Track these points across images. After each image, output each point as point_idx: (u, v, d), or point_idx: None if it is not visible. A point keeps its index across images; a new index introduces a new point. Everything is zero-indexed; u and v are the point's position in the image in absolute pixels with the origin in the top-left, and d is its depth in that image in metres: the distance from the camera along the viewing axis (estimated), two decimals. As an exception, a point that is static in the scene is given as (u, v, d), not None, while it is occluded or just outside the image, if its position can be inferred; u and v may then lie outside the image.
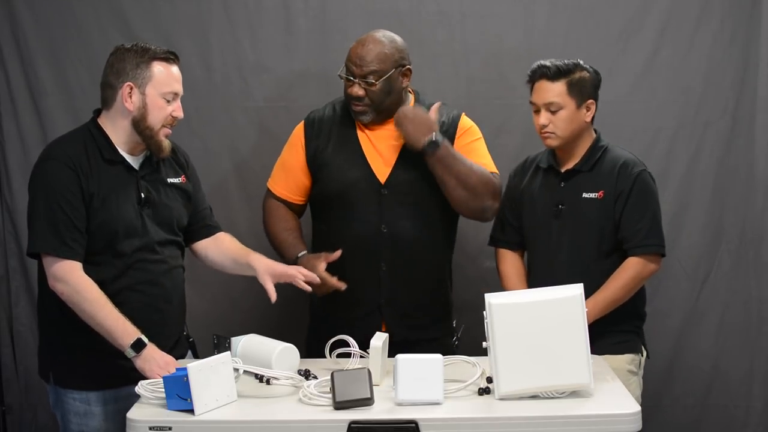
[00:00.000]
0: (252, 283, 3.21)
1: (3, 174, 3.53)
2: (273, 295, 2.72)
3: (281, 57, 3.48)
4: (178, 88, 2.67)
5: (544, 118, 2.81)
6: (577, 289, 2.36)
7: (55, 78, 3.49)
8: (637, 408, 2.25)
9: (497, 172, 3.01)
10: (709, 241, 3.54)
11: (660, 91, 3.49)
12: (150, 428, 2.22)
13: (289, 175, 3.07)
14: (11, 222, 3.55)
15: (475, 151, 3.02)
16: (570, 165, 2.87)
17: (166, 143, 2.67)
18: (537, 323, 2.33)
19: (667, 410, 3.58)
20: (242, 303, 3.45)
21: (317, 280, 2.78)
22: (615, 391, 2.39)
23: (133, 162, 2.68)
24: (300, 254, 3.00)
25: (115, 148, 2.65)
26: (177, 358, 2.68)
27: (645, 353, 2.93)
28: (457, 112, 3.08)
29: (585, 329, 2.34)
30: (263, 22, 3.49)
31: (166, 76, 2.63)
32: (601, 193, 2.81)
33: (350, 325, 2.74)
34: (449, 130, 3.00)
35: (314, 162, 3.04)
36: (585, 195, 2.83)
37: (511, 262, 3.01)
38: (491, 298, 2.37)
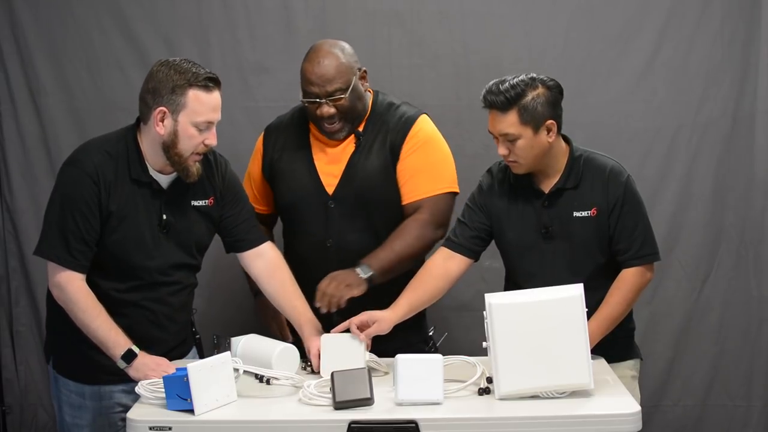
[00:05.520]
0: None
1: (3, 174, 3.53)
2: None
3: (281, 57, 3.48)
4: (214, 116, 2.56)
5: (502, 148, 2.64)
6: (577, 289, 2.36)
7: (55, 78, 3.49)
8: (637, 408, 2.25)
9: (447, 189, 2.90)
10: (709, 241, 3.54)
11: (660, 91, 3.49)
12: (150, 428, 2.22)
13: (253, 185, 3.08)
14: (11, 222, 3.55)
15: (418, 172, 2.89)
16: (551, 184, 2.70)
17: (195, 169, 2.59)
18: (537, 323, 2.33)
19: (667, 410, 3.58)
20: (242, 303, 3.45)
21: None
22: (615, 391, 2.39)
23: (163, 181, 2.62)
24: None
25: (146, 167, 2.59)
26: (180, 356, 2.70)
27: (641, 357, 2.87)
28: (413, 114, 2.95)
29: (585, 329, 2.34)
30: (263, 22, 3.49)
31: (201, 104, 2.52)
32: (594, 210, 2.67)
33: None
34: (398, 137, 2.91)
35: (270, 172, 3.03)
36: (576, 214, 2.68)
37: (437, 261, 2.79)
38: (491, 298, 2.37)
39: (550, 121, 2.63)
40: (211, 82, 2.55)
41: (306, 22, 3.48)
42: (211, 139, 2.58)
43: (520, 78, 2.62)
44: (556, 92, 2.65)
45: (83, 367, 2.63)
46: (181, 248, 2.67)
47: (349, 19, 3.48)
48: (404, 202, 2.93)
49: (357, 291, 2.74)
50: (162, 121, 2.53)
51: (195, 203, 2.68)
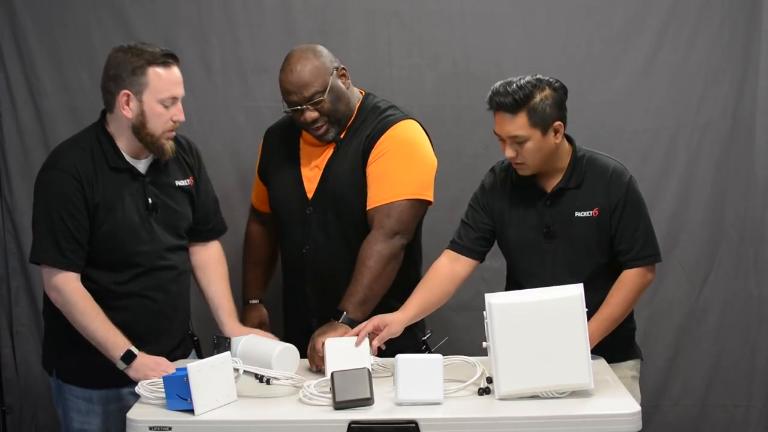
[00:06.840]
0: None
1: (3, 174, 3.53)
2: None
3: (281, 57, 3.46)
4: (177, 91, 2.61)
5: (510, 150, 2.62)
6: (577, 289, 2.36)
7: (55, 78, 3.49)
8: (637, 408, 2.25)
9: (403, 196, 2.80)
10: (709, 241, 3.54)
11: (660, 91, 3.49)
12: (150, 428, 2.22)
13: (257, 184, 3.13)
14: (11, 222, 3.55)
15: (378, 178, 2.81)
16: (554, 183, 2.70)
17: (169, 146, 2.62)
18: (537, 323, 2.33)
19: (667, 410, 3.58)
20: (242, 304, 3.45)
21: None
22: (615, 391, 2.39)
23: (140, 166, 2.64)
24: (251, 301, 3.06)
25: (121, 154, 2.62)
26: (180, 358, 2.70)
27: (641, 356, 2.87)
28: (393, 119, 2.87)
29: (585, 329, 2.34)
30: (263, 22, 3.49)
31: (162, 81, 2.57)
32: (596, 210, 2.67)
33: (304, 338, 2.69)
34: (370, 142, 2.84)
35: (264, 175, 3.06)
36: (578, 214, 2.68)
37: (443, 263, 2.79)
38: (491, 298, 2.37)
39: (557, 122, 2.63)
40: (169, 58, 2.60)
41: (306, 22, 3.48)
42: (179, 115, 2.62)
43: (526, 79, 2.61)
44: (561, 93, 2.65)
45: (92, 372, 2.63)
46: (171, 229, 2.70)
47: (349, 19, 3.47)
48: (367, 210, 2.85)
49: (333, 334, 2.64)
50: (127, 104, 2.57)
51: (179, 183, 2.72)
